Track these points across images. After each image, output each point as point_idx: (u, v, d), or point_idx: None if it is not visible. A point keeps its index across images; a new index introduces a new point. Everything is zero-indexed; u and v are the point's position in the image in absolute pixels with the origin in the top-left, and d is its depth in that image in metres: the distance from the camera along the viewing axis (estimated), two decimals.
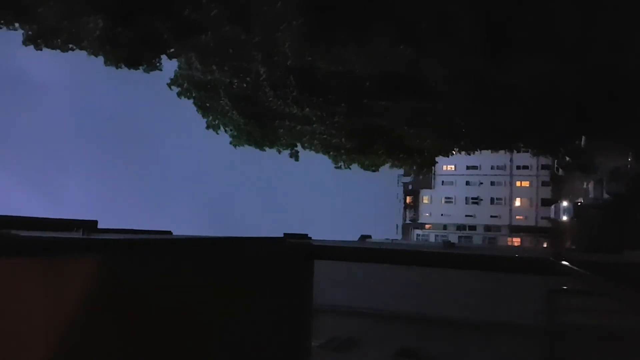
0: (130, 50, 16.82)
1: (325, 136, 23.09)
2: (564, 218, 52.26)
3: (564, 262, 4.46)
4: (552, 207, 58.85)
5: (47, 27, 16.69)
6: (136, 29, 15.71)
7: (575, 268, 3.35)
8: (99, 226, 4.47)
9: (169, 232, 5.09)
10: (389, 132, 22.58)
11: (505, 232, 68.87)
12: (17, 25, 16.82)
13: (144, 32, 15.93)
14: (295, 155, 26.32)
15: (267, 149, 25.54)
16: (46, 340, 1.98)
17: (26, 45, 17.28)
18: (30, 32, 16.99)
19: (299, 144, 25.64)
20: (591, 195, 46.10)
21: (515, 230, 67.99)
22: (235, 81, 20.48)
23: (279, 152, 26.07)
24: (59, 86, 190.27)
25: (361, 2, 13.86)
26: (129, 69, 18.05)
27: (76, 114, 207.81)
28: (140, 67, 18.42)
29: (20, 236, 2.52)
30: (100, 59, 17.57)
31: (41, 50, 17.61)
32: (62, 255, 2.16)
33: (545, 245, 61.44)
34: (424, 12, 13.95)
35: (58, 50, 17.95)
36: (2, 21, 16.40)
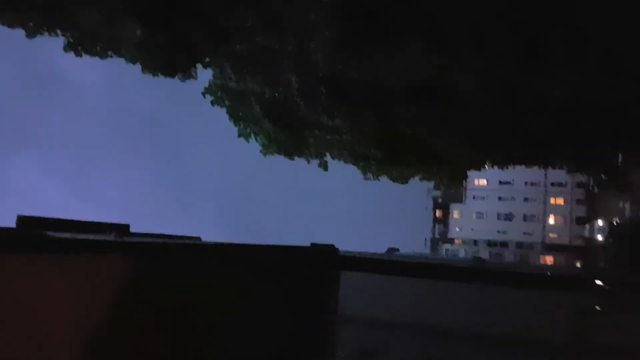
0: (166, 58, 17.19)
1: (354, 146, 23.08)
2: (599, 237, 50.91)
3: (597, 281, 4.36)
4: (587, 225, 57.41)
5: (86, 34, 17.20)
6: (173, 37, 16.05)
7: (608, 287, 3.28)
8: (131, 230, 4.57)
9: (198, 238, 5.16)
10: (419, 142, 22.43)
11: (537, 249, 67.38)
12: (58, 31, 17.39)
13: (181, 41, 16.27)
14: (324, 165, 26.35)
15: (296, 158, 25.65)
16: (78, 334, 2.04)
17: (67, 51, 17.83)
18: (71, 39, 17.54)
19: (328, 154, 25.67)
20: (627, 214, 44.83)
21: (548, 248, 66.45)
22: (267, 90, 20.69)
23: (308, 161, 26.14)
24: (97, 88, 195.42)
25: (393, 12, 13.88)
26: (165, 77, 18.44)
27: (113, 116, 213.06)
28: (176, 76, 18.80)
29: (57, 237, 2.60)
30: (138, 64, 18.00)
31: (81, 56, 18.15)
32: (95, 255, 2.22)
33: (578, 264, 59.88)
34: (455, 22, 13.88)
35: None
36: (44, 27, 16.96)
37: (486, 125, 20.14)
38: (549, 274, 7.77)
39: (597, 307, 4.19)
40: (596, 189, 56.18)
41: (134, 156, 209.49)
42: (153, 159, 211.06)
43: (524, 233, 67.95)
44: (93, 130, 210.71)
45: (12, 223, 3.82)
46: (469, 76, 15.88)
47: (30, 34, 16.99)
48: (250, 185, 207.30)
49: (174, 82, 19.50)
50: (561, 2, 13.06)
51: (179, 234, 5.37)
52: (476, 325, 4.92)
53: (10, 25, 16.55)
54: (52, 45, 17.80)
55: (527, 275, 6.10)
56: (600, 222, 51.28)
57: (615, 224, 47.61)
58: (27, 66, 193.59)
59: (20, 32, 16.93)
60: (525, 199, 68.47)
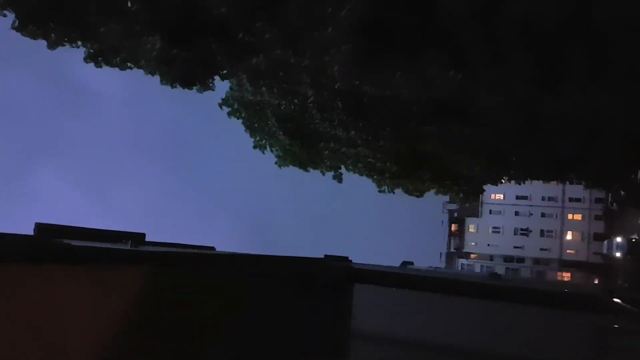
0: (185, 70, 17.38)
1: (369, 159, 23.04)
2: (617, 254, 50.13)
3: (616, 300, 4.28)
4: (605, 242, 56.59)
5: (107, 46, 17.48)
6: (192, 51, 16.23)
7: (627, 306, 3.21)
8: (147, 239, 4.60)
9: (212, 248, 5.18)
10: (435, 157, 22.33)
11: (554, 266, 66.49)
12: (79, 43, 17.70)
13: (200, 54, 16.45)
14: (338, 178, 26.35)
15: (311, 170, 25.68)
16: (93, 343, 2.05)
17: (87, 62, 18.13)
18: (91, 51, 17.83)
19: (342, 166, 25.67)
20: None
21: (565, 264, 65.54)
22: (283, 103, 20.80)
23: (323, 173, 26.16)
24: (119, 98, 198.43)
25: (411, 28, 13.89)
26: (183, 88, 18.63)
27: (134, 125, 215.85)
28: (194, 87, 18.99)
29: (73, 245, 2.63)
30: (157, 76, 18.22)
31: (101, 67, 18.44)
32: (111, 264, 2.24)
33: (596, 281, 58.91)
34: (475, 38, 13.84)
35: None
36: (66, 39, 17.27)
37: (505, 142, 19.99)
38: (567, 291, 7.66)
39: (616, 326, 4.11)
40: (614, 205, 55.44)
41: (153, 165, 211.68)
42: (172, 168, 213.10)
43: (541, 249, 67.13)
44: (114, 139, 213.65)
45: (31, 230, 3.87)
46: (488, 94, 15.79)
47: (52, 45, 17.32)
48: (267, 196, 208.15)
49: (195, 93, 19.71)
50: (584, 21, 12.97)
51: (195, 243, 5.39)
52: (491, 343, 4.85)
53: (33, 37, 16.90)
54: (74, 56, 18.11)
55: (545, 292, 6.02)
56: (618, 239, 50.48)
57: (634, 241, 46.86)
58: (50, 76, 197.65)
59: (42, 43, 17.28)
60: (543, 215, 67.70)
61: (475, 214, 69.49)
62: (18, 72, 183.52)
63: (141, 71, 18.58)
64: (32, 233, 3.73)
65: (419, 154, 22.11)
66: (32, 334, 1.91)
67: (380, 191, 27.04)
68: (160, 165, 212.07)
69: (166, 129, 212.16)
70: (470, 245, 71.61)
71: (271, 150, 25.20)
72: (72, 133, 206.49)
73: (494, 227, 69.61)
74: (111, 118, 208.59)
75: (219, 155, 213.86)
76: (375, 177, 25.42)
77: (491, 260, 68.83)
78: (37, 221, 3.85)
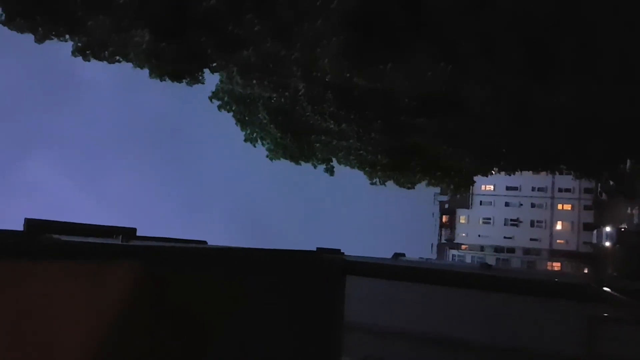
0: (174, 64, 17.26)
1: (361, 152, 23.07)
2: (607, 244, 50.64)
3: (606, 289, 4.32)
4: (595, 232, 57.16)
5: (96, 40, 17.32)
6: (181, 44, 16.11)
7: (617, 295, 3.25)
8: (138, 233, 4.59)
9: (204, 242, 5.17)
10: (426, 150, 22.39)
11: (545, 256, 67.07)
12: (67, 37, 17.53)
13: (189, 47, 16.33)
14: (330, 170, 26.38)
15: (302, 163, 25.67)
16: (85, 337, 2.04)
17: (75, 56, 17.96)
18: (79, 44, 17.66)
19: (334, 159, 25.69)
20: (636, 221, 44.66)
21: (555, 254, 66.15)
22: (274, 96, 20.73)
23: (314, 166, 26.16)
24: (110, 87, 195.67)
25: (402, 21, 13.87)
26: (173, 82, 18.51)
27: (126, 116, 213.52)
28: (183, 81, 18.87)
29: (63, 241, 2.61)
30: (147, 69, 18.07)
31: (89, 61, 18.28)
32: (102, 259, 2.22)
33: (586, 271, 59.52)
34: (465, 31, 13.86)
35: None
36: (54, 33, 17.10)
37: (495, 134, 20.07)
38: (557, 281, 7.73)
39: (606, 314, 4.15)
40: (604, 195, 55.99)
41: (146, 157, 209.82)
42: (165, 159, 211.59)
43: (531, 239, 67.67)
44: (105, 130, 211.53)
45: (22, 224, 3.84)
46: (478, 86, 15.83)
47: (40, 39, 17.14)
48: (259, 189, 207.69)
49: (186, 85, 19.57)
50: (572, 13, 13.03)
51: (186, 237, 5.38)
52: (482, 333, 4.89)
53: (20, 31, 16.71)
54: (64, 44, 17.92)
55: (535, 282, 6.07)
56: (608, 229, 50.98)
57: (623, 230, 47.37)
58: (39, 65, 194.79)
59: (30, 35, 17.09)
60: (533, 205, 68.21)
61: (466, 205, 69.90)
62: (5, 61, 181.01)
63: (131, 63, 18.43)
64: (22, 228, 3.70)
65: (410, 146, 22.16)
66: (21, 331, 1.90)
67: (372, 183, 27.08)
68: (153, 156, 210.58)
69: (158, 120, 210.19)
70: (461, 236, 72.07)
71: (262, 144, 25.15)
72: (62, 124, 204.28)
73: (484, 218, 70.06)
74: (103, 108, 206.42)
75: (212, 147, 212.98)
76: (366, 169, 25.45)
77: (482, 250, 69.33)
78: (27, 216, 3.82)
